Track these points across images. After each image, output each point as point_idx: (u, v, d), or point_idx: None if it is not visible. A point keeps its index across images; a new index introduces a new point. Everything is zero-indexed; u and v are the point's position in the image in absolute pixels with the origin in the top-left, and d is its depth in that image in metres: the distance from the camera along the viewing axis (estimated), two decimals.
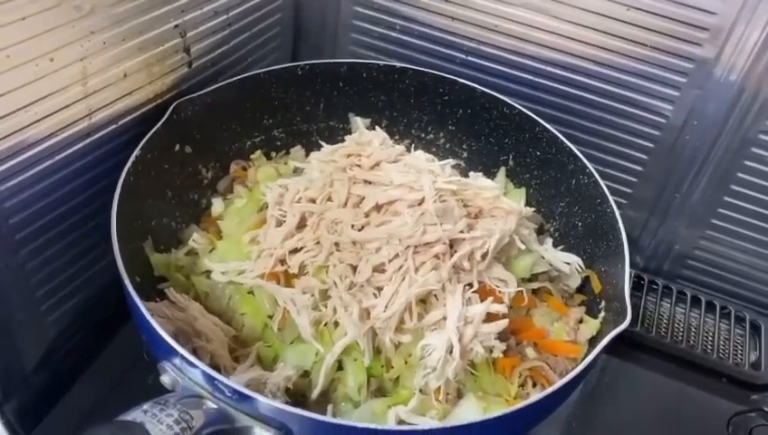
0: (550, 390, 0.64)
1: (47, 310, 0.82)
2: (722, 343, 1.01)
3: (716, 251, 1.06)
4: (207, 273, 0.82)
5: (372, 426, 0.58)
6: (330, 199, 0.80)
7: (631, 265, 1.08)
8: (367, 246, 0.76)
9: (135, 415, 0.54)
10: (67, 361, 0.87)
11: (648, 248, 1.10)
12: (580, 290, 0.88)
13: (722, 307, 1.05)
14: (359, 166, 0.82)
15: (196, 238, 0.86)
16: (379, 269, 0.75)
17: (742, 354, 1.00)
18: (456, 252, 0.75)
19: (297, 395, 0.73)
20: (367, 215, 0.78)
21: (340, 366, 0.75)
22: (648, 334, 1.00)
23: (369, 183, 0.81)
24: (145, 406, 0.56)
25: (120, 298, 0.71)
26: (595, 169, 0.88)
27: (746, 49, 0.87)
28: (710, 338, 1.02)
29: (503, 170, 0.99)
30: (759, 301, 1.07)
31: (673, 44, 0.90)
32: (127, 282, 0.66)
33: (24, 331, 0.80)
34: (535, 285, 0.84)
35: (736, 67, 0.88)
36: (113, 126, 0.81)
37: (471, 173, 0.97)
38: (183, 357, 0.62)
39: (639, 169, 1.03)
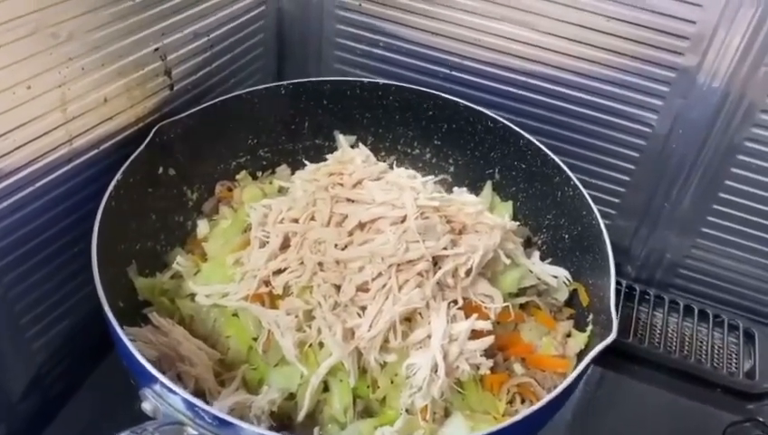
0: (536, 406, 0.63)
1: (32, 337, 0.81)
2: (716, 352, 1.01)
3: (708, 259, 1.05)
4: (192, 296, 0.82)
5: None
6: (313, 219, 0.80)
7: (623, 275, 1.10)
8: (350, 266, 0.75)
9: None
10: (54, 387, 0.86)
11: (640, 258, 1.10)
12: (568, 303, 0.87)
13: (715, 316, 1.04)
14: (341, 184, 0.81)
15: (180, 261, 0.85)
16: (362, 288, 0.74)
17: (736, 363, 0.99)
18: (439, 269, 0.75)
19: (283, 418, 0.73)
20: (350, 233, 0.78)
21: (325, 387, 0.74)
22: (641, 345, 0.99)
23: (352, 201, 0.80)
24: (123, 434, 0.55)
25: (106, 324, 0.70)
26: (582, 179, 0.87)
27: (727, 57, 0.87)
28: (704, 348, 1.01)
29: (489, 184, 0.99)
30: (752, 308, 1.06)
31: (654, 54, 0.90)
32: (106, 308, 0.66)
33: (10, 358, 0.80)
34: (523, 300, 0.84)
35: (718, 75, 0.88)
36: (95, 151, 0.81)
37: (455, 189, 0.97)
38: (163, 384, 0.61)
39: (627, 178, 1.02)
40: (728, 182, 0.96)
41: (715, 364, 0.98)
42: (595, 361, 0.96)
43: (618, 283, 1.07)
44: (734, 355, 1.00)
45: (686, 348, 1.00)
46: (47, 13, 0.68)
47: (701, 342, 1.02)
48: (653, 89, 0.93)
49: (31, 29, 0.67)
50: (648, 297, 1.07)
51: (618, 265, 1.09)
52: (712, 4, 0.84)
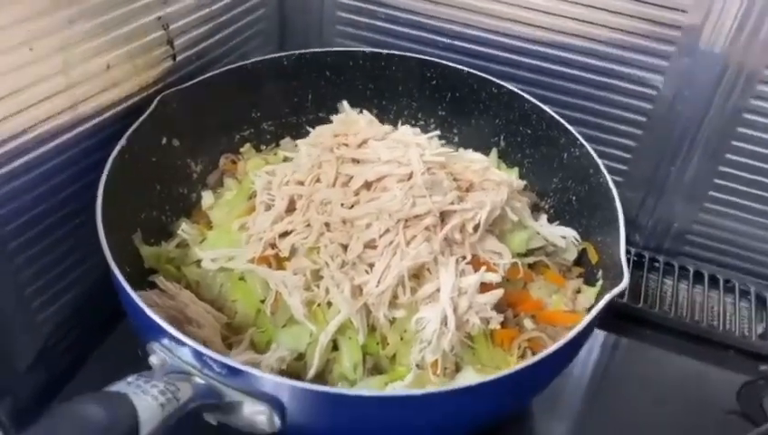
0: (546, 352, 0.62)
1: (38, 308, 0.81)
2: (728, 316, 0.99)
3: (716, 224, 1.04)
4: (198, 262, 0.81)
5: (362, 393, 0.57)
6: (318, 181, 0.80)
7: (631, 244, 1.09)
8: (357, 224, 0.75)
9: (119, 387, 0.53)
10: (61, 359, 0.85)
11: (648, 227, 1.09)
12: (577, 263, 0.86)
13: (725, 281, 1.03)
14: (346, 145, 0.81)
15: (186, 229, 0.85)
16: (370, 245, 0.74)
17: (749, 326, 0.98)
18: (447, 225, 0.74)
19: (292, 378, 0.72)
20: (356, 193, 0.77)
21: (334, 347, 0.73)
22: (652, 310, 0.98)
23: (358, 162, 0.80)
24: (129, 378, 0.54)
25: (113, 295, 0.69)
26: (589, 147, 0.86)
27: (731, 13, 0.86)
28: (715, 312, 1.00)
29: (494, 151, 0.98)
30: (763, 273, 1.05)
31: (658, 13, 0.89)
32: (111, 261, 0.65)
33: (16, 329, 0.79)
34: (531, 260, 0.83)
35: (723, 30, 0.88)
36: (98, 118, 0.80)
37: (460, 149, 0.96)
38: (171, 336, 0.60)
39: (633, 144, 1.02)
40: (734, 143, 0.95)
41: (728, 327, 0.97)
42: (608, 326, 0.96)
43: (626, 251, 1.06)
44: (746, 319, 0.99)
45: (698, 313, 0.99)
46: None
47: (712, 307, 1.01)
48: (658, 50, 0.92)
49: None
50: (657, 265, 1.06)
51: (626, 235, 1.09)
52: None
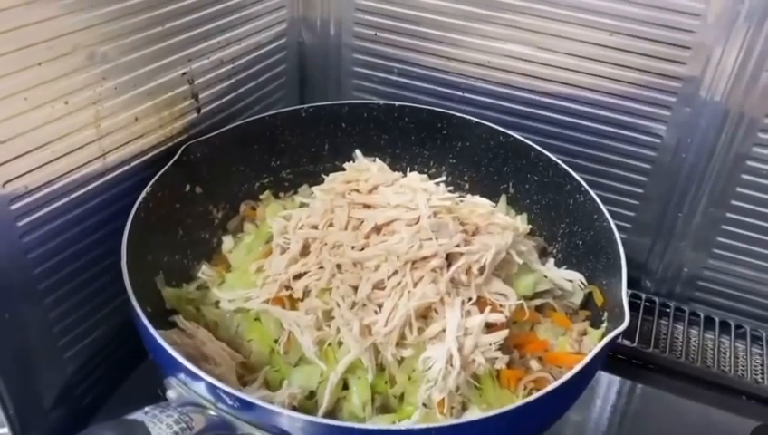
0: (546, 389, 0.64)
1: (64, 346, 0.84)
2: (740, 361, 1.00)
3: (726, 270, 1.05)
4: (217, 303, 0.85)
5: (369, 427, 0.59)
6: (331, 224, 0.83)
7: (642, 289, 1.11)
8: (366, 265, 0.78)
9: (136, 415, 0.56)
10: (85, 398, 0.89)
11: (658, 272, 1.10)
12: (584, 307, 0.88)
13: (737, 326, 1.04)
14: (357, 191, 0.85)
15: (206, 271, 0.89)
16: (378, 286, 0.77)
17: (761, 372, 0.98)
18: (453, 266, 0.77)
19: None
20: (367, 236, 0.81)
21: (345, 386, 0.76)
22: (663, 355, 0.99)
23: (368, 207, 0.84)
24: (146, 408, 0.58)
25: (136, 336, 0.73)
26: (596, 194, 0.89)
27: (729, 62, 0.89)
28: (727, 357, 1.00)
29: (503, 198, 1.01)
30: None
31: (659, 65, 0.93)
32: (133, 301, 0.69)
33: (42, 366, 0.82)
34: (538, 302, 0.85)
35: (722, 80, 0.91)
36: (126, 167, 0.85)
37: (468, 195, 0.99)
38: (187, 370, 0.64)
39: (640, 191, 1.04)
40: (740, 189, 0.97)
41: (740, 373, 0.98)
42: (618, 371, 0.97)
43: (637, 296, 1.08)
44: (758, 364, 0.99)
45: (710, 358, 1.00)
46: (84, 34, 0.74)
47: (724, 352, 1.01)
48: (660, 99, 0.96)
49: (69, 48, 0.72)
50: (668, 310, 1.07)
51: (636, 281, 1.11)
52: (710, 12, 0.88)
